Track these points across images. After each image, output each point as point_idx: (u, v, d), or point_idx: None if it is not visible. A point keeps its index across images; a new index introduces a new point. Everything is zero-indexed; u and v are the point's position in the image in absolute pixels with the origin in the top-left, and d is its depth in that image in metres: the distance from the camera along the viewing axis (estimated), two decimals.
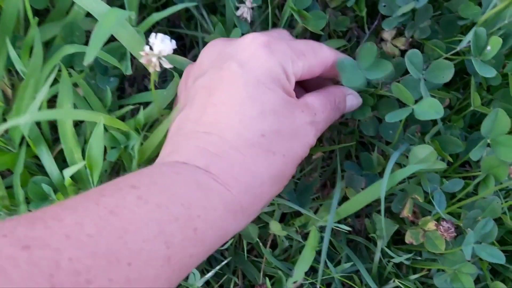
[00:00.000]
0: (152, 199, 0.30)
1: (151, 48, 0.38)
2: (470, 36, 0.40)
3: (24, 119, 0.41)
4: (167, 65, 0.39)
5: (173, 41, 0.38)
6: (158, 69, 0.39)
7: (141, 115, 0.44)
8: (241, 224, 0.35)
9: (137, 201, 0.29)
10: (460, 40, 0.44)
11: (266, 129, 0.35)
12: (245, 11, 0.46)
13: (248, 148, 0.35)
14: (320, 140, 0.54)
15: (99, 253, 0.26)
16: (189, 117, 0.37)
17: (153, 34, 0.38)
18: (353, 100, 0.44)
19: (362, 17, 0.50)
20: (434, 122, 0.47)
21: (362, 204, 0.45)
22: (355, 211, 0.46)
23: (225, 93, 0.36)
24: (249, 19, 0.47)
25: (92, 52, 0.37)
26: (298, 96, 0.40)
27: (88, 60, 0.37)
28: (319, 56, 0.40)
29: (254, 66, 0.36)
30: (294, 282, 0.48)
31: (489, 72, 0.40)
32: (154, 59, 0.38)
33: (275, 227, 0.48)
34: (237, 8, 0.47)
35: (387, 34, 0.48)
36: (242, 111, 0.35)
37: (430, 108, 0.40)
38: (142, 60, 0.39)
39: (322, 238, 0.51)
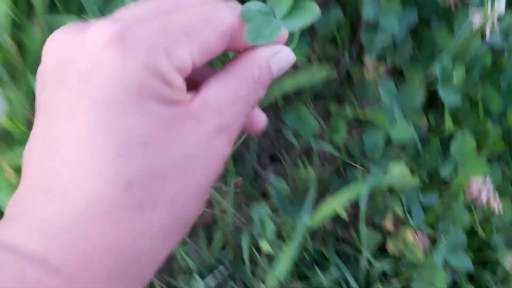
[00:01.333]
0: None
1: None
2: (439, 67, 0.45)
3: None
4: None
5: None
6: None
7: None
8: None
9: None
10: None
11: (133, 175, 0.23)
12: None
13: (109, 213, 0.23)
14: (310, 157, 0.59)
15: None
16: (31, 157, 0.25)
17: None
18: (282, 61, 0.29)
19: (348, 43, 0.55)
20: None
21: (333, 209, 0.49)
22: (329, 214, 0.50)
23: (67, 125, 0.24)
24: None
25: None
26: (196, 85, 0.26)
27: None
28: (215, 24, 0.26)
29: (101, 80, 0.23)
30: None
31: (455, 100, 0.44)
32: None
33: (265, 247, 0.53)
34: None
35: (368, 59, 0.52)
36: (92, 153, 0.23)
37: (404, 132, 0.45)
38: None
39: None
